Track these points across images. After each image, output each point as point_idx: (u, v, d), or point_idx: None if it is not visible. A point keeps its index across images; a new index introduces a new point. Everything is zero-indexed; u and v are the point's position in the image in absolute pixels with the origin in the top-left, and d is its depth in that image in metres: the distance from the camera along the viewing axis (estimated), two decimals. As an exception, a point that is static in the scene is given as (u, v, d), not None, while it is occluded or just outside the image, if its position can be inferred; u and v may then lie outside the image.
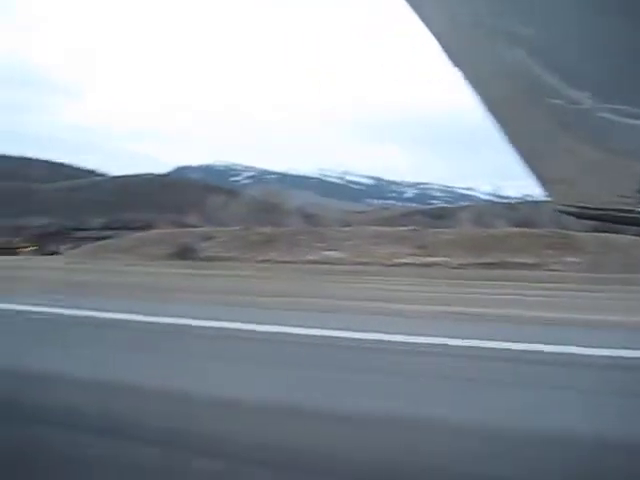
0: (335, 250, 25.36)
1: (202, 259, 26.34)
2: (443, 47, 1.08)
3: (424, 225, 39.28)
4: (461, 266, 22.09)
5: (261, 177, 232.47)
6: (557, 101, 1.19)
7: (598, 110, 1.19)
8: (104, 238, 49.99)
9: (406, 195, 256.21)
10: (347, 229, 28.83)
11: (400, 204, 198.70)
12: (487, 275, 19.12)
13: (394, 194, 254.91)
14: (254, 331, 6.79)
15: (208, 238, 29.00)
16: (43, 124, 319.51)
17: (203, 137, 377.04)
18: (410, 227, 28.11)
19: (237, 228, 30.84)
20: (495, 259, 22.23)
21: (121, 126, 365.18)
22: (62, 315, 7.91)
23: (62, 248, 57.19)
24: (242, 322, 7.20)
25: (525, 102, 1.29)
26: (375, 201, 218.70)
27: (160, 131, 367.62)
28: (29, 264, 25.44)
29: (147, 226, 53.21)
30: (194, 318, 7.43)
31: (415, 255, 23.66)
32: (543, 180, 1.87)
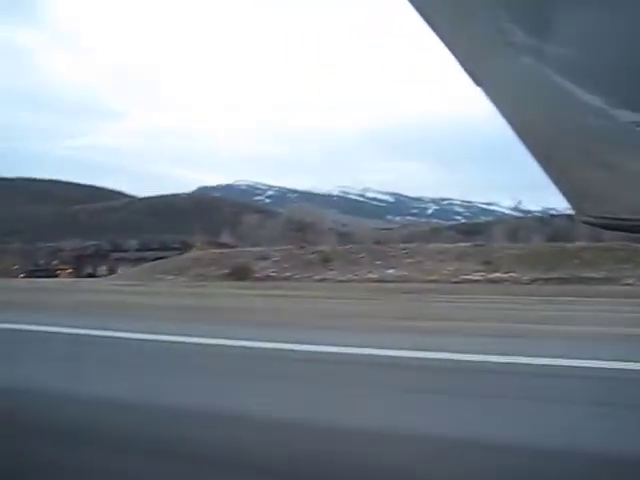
0: (396, 268, 25.04)
1: (260, 279, 26.09)
2: (464, 67, 1.08)
3: (456, 240, 39.08)
4: (531, 282, 21.66)
5: (283, 196, 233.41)
6: (586, 115, 1.21)
7: (628, 123, 1.19)
8: (142, 259, 50.18)
9: (427, 211, 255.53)
10: (403, 246, 28.46)
11: (424, 220, 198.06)
12: (562, 291, 18.65)
13: (415, 210, 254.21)
14: (394, 357, 6.32)
15: (262, 258, 28.77)
16: (72, 147, 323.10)
17: (222, 156, 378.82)
18: (470, 243, 27.72)
19: (290, 247, 30.61)
20: (565, 274, 21.76)
21: (142, 148, 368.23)
22: (172, 342, 7.49)
23: (99, 270, 57.65)
24: (356, 347, 6.73)
25: (553, 117, 1.31)
26: (396, 218, 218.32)
27: (177, 151, 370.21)
28: (87, 287, 25.22)
29: (184, 247, 53.37)
30: (312, 344, 6.97)
31: (481, 271, 23.27)
32: (568, 192, 1.88)
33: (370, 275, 24.69)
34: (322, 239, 47.43)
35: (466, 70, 1.09)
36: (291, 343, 6.79)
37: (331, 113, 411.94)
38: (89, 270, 58.48)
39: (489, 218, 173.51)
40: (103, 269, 55.95)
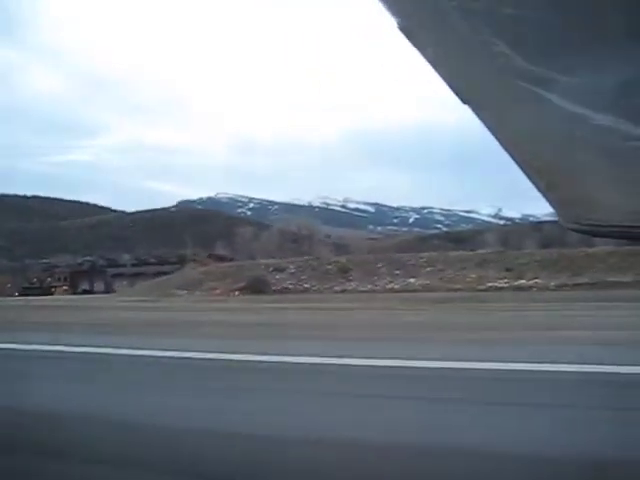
0: (416, 277, 24.99)
1: (278, 291, 25.89)
2: (451, 86, 1.12)
3: (445, 249, 39.10)
4: (558, 288, 21.70)
5: (264, 208, 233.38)
6: (575, 126, 1.24)
7: (617, 131, 1.23)
8: (140, 275, 49.75)
9: (408, 220, 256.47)
10: (421, 255, 28.40)
11: (405, 229, 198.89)
12: (592, 296, 18.57)
13: (396, 220, 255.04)
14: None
15: (277, 270, 28.57)
16: (53, 163, 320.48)
17: (201, 170, 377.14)
18: (489, 250, 27.79)
19: (304, 259, 30.44)
20: (591, 279, 21.83)
21: (123, 163, 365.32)
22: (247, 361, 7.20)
23: (96, 286, 57.00)
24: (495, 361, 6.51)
25: (544, 132, 1.36)
26: (378, 228, 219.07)
27: (157, 165, 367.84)
28: (105, 304, 24.82)
29: (182, 260, 52.98)
30: (408, 359, 6.73)
31: (505, 278, 23.28)
32: (555, 201, 1.96)
33: (392, 285, 24.60)
34: (317, 250, 47.25)
35: (452, 89, 1.13)
36: (436, 360, 6.43)
37: (311, 123, 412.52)
38: (85, 287, 57.79)
39: (469, 226, 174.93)
40: (100, 285, 55.38)
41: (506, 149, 1.43)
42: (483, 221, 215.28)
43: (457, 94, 1.13)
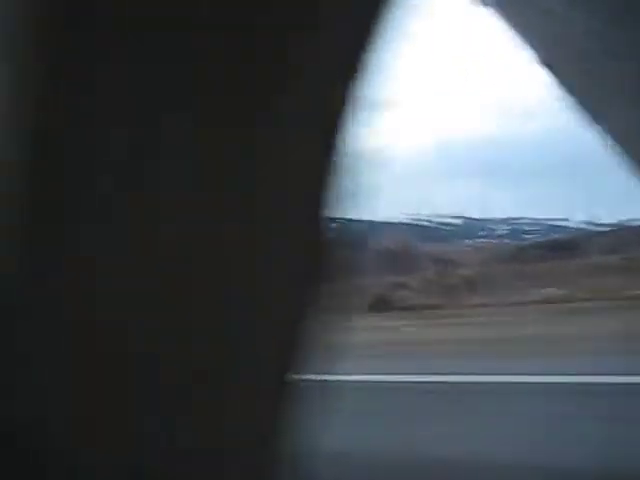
0: (551, 287, 23.83)
1: (404, 309, 25.13)
2: (581, 104, 1.14)
3: (545, 258, 37.31)
4: None
5: (347, 227, 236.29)
6: None
7: None
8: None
9: (497, 231, 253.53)
10: (547, 265, 27.22)
11: (495, 241, 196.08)
12: None
13: (484, 232, 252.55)
14: None
15: (397, 286, 27.91)
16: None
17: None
18: (620, 256, 26.36)
19: (422, 274, 29.74)
20: None
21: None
22: None
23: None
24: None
25: None
26: (467, 240, 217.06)
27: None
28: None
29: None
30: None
31: (650, 285, 21.87)
32: None
33: (528, 297, 23.49)
34: (419, 265, 46.56)
35: (585, 110, 1.11)
36: None
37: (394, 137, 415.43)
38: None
39: (561, 234, 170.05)
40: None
41: (628, 160, 1.39)
42: (575, 229, 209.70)
43: (589, 113, 1.13)
